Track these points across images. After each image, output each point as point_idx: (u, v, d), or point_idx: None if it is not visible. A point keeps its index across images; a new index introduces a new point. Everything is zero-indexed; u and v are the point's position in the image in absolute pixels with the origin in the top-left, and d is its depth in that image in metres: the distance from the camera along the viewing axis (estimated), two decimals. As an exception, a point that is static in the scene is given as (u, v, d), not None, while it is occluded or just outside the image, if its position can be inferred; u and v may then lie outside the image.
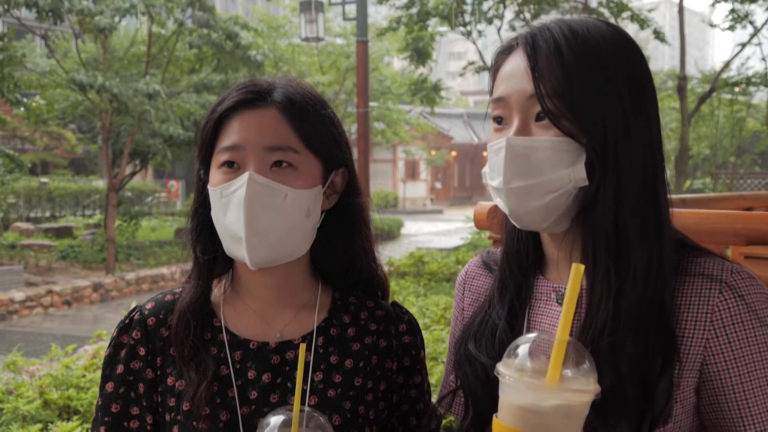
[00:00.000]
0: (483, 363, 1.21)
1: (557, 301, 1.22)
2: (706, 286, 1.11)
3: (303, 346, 1.08)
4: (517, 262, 1.27)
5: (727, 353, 1.09)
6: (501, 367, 0.94)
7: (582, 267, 0.90)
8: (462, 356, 1.26)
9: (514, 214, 1.15)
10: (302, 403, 1.09)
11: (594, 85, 1.09)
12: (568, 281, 0.91)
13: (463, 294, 1.41)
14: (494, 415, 0.95)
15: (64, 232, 16.76)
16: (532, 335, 0.96)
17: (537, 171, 1.10)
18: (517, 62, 1.15)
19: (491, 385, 1.16)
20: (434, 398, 1.43)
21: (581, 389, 0.90)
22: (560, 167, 1.09)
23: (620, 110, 1.09)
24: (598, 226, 1.10)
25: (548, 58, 1.10)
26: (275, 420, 1.06)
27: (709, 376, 1.10)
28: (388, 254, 11.82)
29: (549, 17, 1.21)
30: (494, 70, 1.22)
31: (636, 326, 1.08)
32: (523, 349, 0.94)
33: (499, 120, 1.17)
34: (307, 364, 1.32)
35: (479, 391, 1.21)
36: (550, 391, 0.89)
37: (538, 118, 1.11)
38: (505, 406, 0.94)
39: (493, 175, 1.16)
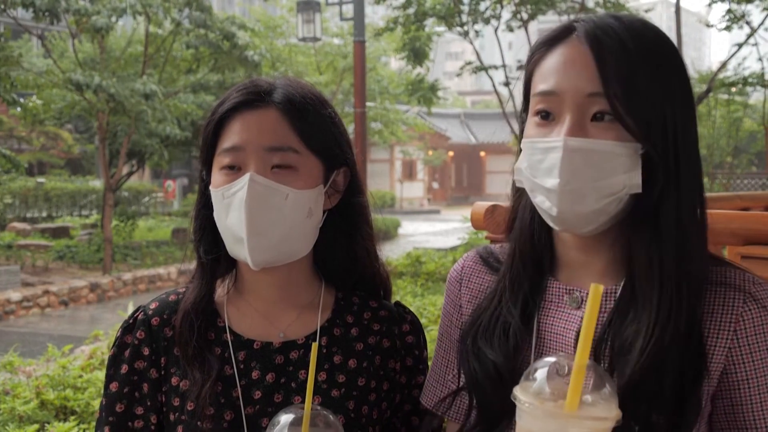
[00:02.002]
0: (494, 360, 1.17)
1: (570, 305, 1.19)
2: (729, 296, 1.10)
3: (315, 345, 1.08)
4: (532, 260, 1.22)
5: (749, 363, 1.08)
6: (518, 392, 0.90)
7: (601, 288, 0.87)
8: (469, 351, 1.22)
9: (561, 216, 1.09)
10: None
11: (657, 87, 1.06)
12: (588, 296, 0.87)
13: (459, 291, 1.36)
14: None
15: (61, 233, 16.71)
16: (550, 359, 0.93)
17: (596, 174, 1.06)
18: (573, 55, 1.08)
19: (502, 382, 1.15)
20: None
21: (602, 417, 0.87)
22: (618, 172, 1.06)
23: (678, 114, 1.07)
24: (665, 233, 1.07)
25: (615, 56, 1.05)
26: (285, 418, 1.06)
27: (729, 385, 1.09)
28: (386, 254, 11.75)
29: (599, 12, 1.16)
30: (535, 60, 1.15)
31: (674, 335, 1.06)
32: (541, 374, 0.91)
33: (544, 114, 1.11)
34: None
35: (488, 389, 1.18)
36: (570, 420, 0.85)
37: (595, 118, 1.07)
38: (520, 431, 0.91)
39: (539, 174, 1.10)
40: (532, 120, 1.14)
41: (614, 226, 1.11)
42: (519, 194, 1.25)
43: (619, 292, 1.13)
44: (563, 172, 1.05)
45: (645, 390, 1.04)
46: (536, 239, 1.22)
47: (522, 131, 1.19)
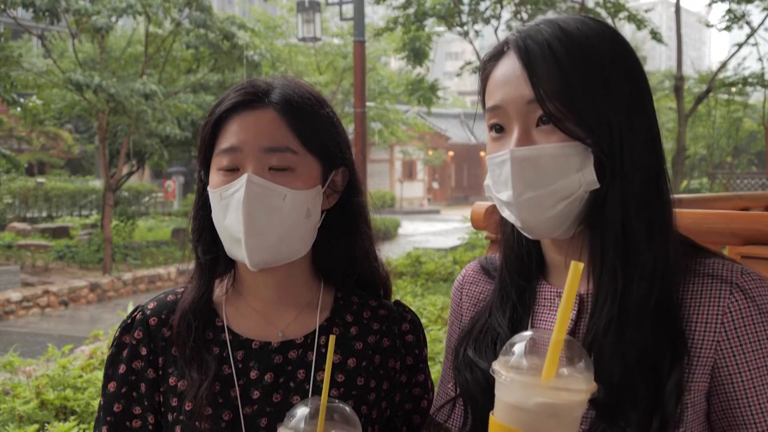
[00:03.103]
0: (483, 369, 1.18)
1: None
2: (716, 287, 1.09)
3: (333, 338, 1.09)
4: (517, 268, 1.24)
5: (739, 356, 1.07)
6: (497, 366, 0.93)
7: (581, 265, 0.89)
8: (461, 362, 1.24)
9: (526, 226, 1.11)
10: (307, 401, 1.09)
11: (594, 84, 1.06)
12: (568, 276, 0.90)
13: (460, 299, 1.38)
14: (490, 413, 0.95)
15: (61, 233, 16.72)
16: (528, 333, 0.96)
17: (547, 179, 1.07)
18: (510, 67, 1.11)
19: (491, 391, 1.16)
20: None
21: (578, 388, 0.89)
22: (570, 172, 1.06)
23: (622, 108, 1.07)
24: (607, 228, 1.08)
25: (543, 60, 1.07)
26: (301, 411, 1.06)
27: (720, 380, 1.09)
28: (385, 254, 11.78)
29: (538, 18, 1.18)
30: (484, 77, 1.18)
31: (643, 324, 1.06)
32: (519, 348, 0.93)
33: (497, 128, 1.13)
34: (309, 363, 1.32)
35: (479, 397, 1.19)
36: (542, 390, 0.88)
37: (539, 123, 1.08)
38: (497, 403, 0.94)
39: (499, 188, 1.12)
40: (489, 136, 1.16)
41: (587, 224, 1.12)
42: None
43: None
44: (515, 183, 1.08)
45: (616, 381, 1.04)
46: (517, 247, 1.24)
47: None
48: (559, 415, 0.90)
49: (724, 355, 1.08)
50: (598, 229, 1.10)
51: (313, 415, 1.04)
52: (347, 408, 1.08)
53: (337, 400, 1.08)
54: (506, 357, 0.93)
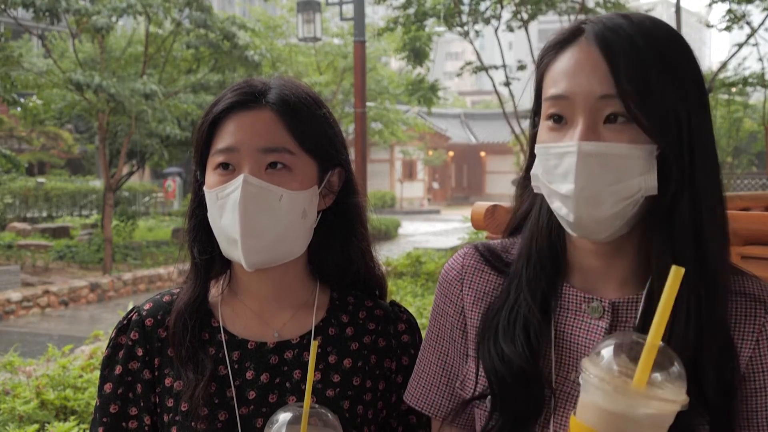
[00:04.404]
0: (518, 360, 1.13)
1: (591, 314, 1.15)
2: (750, 306, 1.11)
3: (315, 343, 1.09)
4: (550, 263, 1.19)
5: (767, 372, 1.10)
6: (588, 364, 0.89)
7: (682, 270, 0.86)
8: (492, 355, 1.17)
9: (578, 222, 1.06)
10: (302, 403, 1.09)
11: (670, 85, 1.04)
12: (669, 278, 0.87)
13: (461, 291, 1.29)
14: (572, 414, 0.92)
15: (61, 233, 16.71)
16: (621, 335, 0.93)
17: (611, 178, 1.04)
18: (583, 57, 1.07)
19: (528, 382, 1.13)
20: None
21: (669, 399, 0.86)
22: (634, 175, 1.04)
23: (693, 112, 1.06)
24: (680, 235, 1.06)
25: (626, 56, 1.03)
26: (283, 417, 1.06)
27: (746, 393, 1.10)
28: (386, 254, 11.80)
29: (607, 12, 1.13)
30: (546, 63, 1.13)
31: (716, 339, 1.06)
32: (608, 350, 0.90)
33: (557, 119, 1.09)
34: (305, 364, 1.32)
35: (516, 390, 1.14)
36: (637, 398, 0.85)
37: (608, 120, 1.05)
38: (589, 407, 0.89)
39: (554, 179, 1.08)
40: (544, 124, 1.12)
41: (632, 232, 1.10)
42: (528, 197, 1.23)
43: (642, 301, 1.11)
44: (578, 177, 1.04)
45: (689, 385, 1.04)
46: (555, 240, 1.19)
47: (534, 135, 1.18)
48: (662, 425, 0.88)
49: (754, 370, 1.10)
50: (666, 236, 1.07)
51: (294, 421, 1.04)
52: (329, 414, 1.08)
53: (317, 405, 1.08)
54: (598, 357, 0.90)
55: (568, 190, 1.05)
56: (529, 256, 1.21)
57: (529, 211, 1.24)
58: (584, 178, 1.04)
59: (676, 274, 0.86)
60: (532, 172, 1.15)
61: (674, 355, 0.89)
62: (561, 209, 1.09)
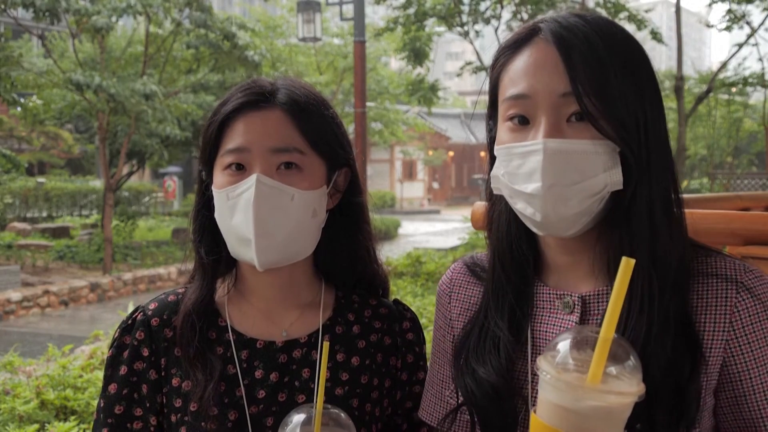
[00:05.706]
0: (488, 378, 1.15)
1: (563, 310, 1.16)
2: (722, 287, 1.09)
3: (327, 343, 1.09)
4: (513, 268, 1.19)
5: (747, 354, 1.08)
6: (541, 363, 0.89)
7: (632, 262, 0.86)
8: (463, 370, 1.19)
9: (546, 220, 1.07)
10: (311, 401, 1.09)
11: (628, 84, 1.05)
12: (619, 271, 0.87)
13: (449, 304, 1.32)
14: (532, 410, 0.92)
15: (61, 232, 16.72)
16: (574, 330, 0.93)
17: (577, 175, 1.04)
18: (541, 56, 1.07)
19: (500, 399, 1.14)
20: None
21: (623, 391, 0.86)
22: (598, 171, 1.04)
23: (649, 110, 1.07)
24: (637, 230, 1.07)
25: (583, 55, 1.04)
26: (297, 418, 1.06)
27: (730, 378, 1.09)
28: (386, 254, 11.80)
29: (560, 12, 1.14)
30: (501, 63, 1.13)
31: (668, 331, 1.05)
32: (564, 345, 0.90)
33: (520, 119, 1.08)
34: (313, 362, 1.32)
35: (487, 407, 1.16)
36: (589, 392, 0.85)
37: (571, 119, 1.05)
38: (544, 403, 0.90)
39: (518, 179, 1.08)
40: (504, 126, 1.12)
41: (596, 226, 1.11)
42: (493, 202, 1.23)
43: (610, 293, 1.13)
44: (545, 175, 1.04)
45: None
46: (515, 247, 1.19)
47: (492, 140, 1.18)
48: (613, 418, 0.87)
49: (734, 354, 1.08)
50: (625, 230, 1.07)
51: (307, 422, 1.04)
52: (342, 414, 1.08)
53: (330, 406, 1.08)
54: (551, 354, 0.90)
55: (535, 188, 1.05)
56: (494, 265, 1.22)
57: (493, 218, 1.24)
58: (551, 176, 1.04)
59: (626, 266, 0.86)
60: (492, 173, 1.14)
61: (629, 347, 0.89)
62: (526, 209, 1.08)
